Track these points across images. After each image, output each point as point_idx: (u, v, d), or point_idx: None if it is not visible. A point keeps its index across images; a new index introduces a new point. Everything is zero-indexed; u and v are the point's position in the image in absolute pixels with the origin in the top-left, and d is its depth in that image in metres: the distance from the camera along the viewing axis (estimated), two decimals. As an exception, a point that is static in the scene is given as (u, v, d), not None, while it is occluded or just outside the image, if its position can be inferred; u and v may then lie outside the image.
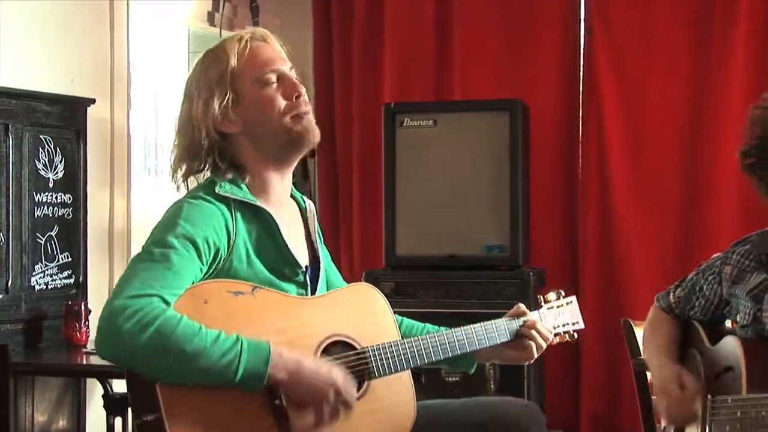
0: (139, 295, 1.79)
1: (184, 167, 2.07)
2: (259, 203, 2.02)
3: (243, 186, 2.03)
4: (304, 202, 2.20)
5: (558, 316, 2.40)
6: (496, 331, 2.24)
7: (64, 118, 3.89)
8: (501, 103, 4.26)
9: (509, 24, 4.73)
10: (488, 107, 4.24)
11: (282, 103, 2.04)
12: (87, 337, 3.75)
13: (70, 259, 3.92)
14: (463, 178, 4.18)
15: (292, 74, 2.09)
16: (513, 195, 4.13)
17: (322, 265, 2.15)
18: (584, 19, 4.63)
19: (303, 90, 2.06)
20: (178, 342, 1.77)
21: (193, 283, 1.88)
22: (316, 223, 2.21)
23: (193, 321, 1.80)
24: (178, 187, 2.11)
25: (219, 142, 2.04)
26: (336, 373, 1.90)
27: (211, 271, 1.94)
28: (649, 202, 4.50)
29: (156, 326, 1.76)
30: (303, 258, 2.10)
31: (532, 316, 2.33)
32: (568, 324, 2.42)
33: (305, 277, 2.07)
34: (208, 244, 1.92)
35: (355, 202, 4.90)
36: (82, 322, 3.75)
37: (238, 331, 1.84)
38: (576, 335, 2.43)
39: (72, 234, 3.93)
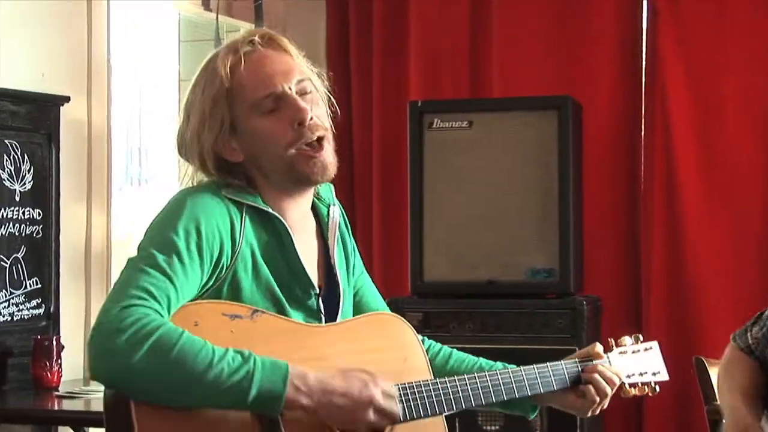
0: (134, 305, 1.80)
1: (195, 177, 2.10)
2: (271, 210, 2.03)
3: (254, 192, 2.05)
4: (327, 211, 2.18)
5: (633, 363, 2.37)
6: (552, 375, 2.22)
7: (32, 119, 3.91)
8: (548, 100, 4.26)
9: (556, 7, 4.73)
10: (533, 105, 4.24)
11: (285, 133, 2.03)
12: (59, 377, 3.76)
13: (39, 286, 3.93)
14: (503, 189, 4.18)
15: (304, 86, 2.06)
16: (562, 209, 4.12)
17: (342, 291, 2.13)
18: (647, 0, 4.63)
19: (307, 114, 2.03)
20: (181, 357, 1.78)
21: (191, 299, 1.90)
22: (344, 234, 2.20)
23: (197, 336, 1.82)
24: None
25: (225, 164, 2.05)
26: (372, 388, 1.90)
27: (213, 281, 1.95)
28: (726, 219, 4.48)
29: (154, 340, 1.77)
30: (315, 281, 2.09)
31: (601, 360, 2.30)
32: (647, 373, 2.39)
33: (318, 302, 2.07)
34: (210, 248, 1.93)
35: (375, 217, 4.91)
36: (54, 360, 3.76)
37: None
38: (658, 388, 2.39)
39: (42, 256, 3.94)
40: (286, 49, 2.09)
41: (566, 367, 2.26)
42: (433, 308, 4.15)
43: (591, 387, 2.24)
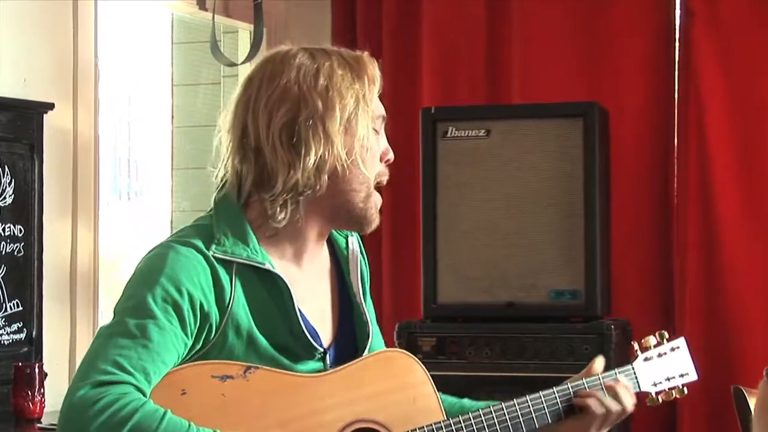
0: (109, 382, 1.78)
1: (228, 177, 2.06)
2: (267, 265, 1.99)
3: (251, 239, 2.00)
4: (347, 244, 2.18)
5: (660, 368, 2.34)
6: (532, 408, 2.16)
7: (14, 128, 3.92)
8: (573, 107, 4.26)
9: (581, 5, 4.75)
10: (556, 113, 4.25)
11: (378, 162, 2.08)
12: (42, 408, 3.76)
13: (20, 309, 3.94)
14: (524, 204, 4.19)
15: None
16: (588, 225, 4.13)
17: (370, 328, 2.13)
18: (681, 0, 4.64)
19: (392, 155, 2.09)
20: None
21: (175, 365, 1.87)
22: (363, 269, 2.19)
23: (180, 417, 1.79)
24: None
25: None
26: None
27: (199, 345, 1.93)
28: None
29: (132, 424, 1.75)
30: (324, 329, 2.09)
31: (624, 371, 2.26)
32: (674, 377, 2.36)
33: (325, 359, 2.05)
34: (193, 309, 1.90)
35: (385, 235, 4.91)
36: (36, 389, 3.76)
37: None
38: (686, 390, 2.37)
39: (23, 276, 3.95)
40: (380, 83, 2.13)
41: (558, 395, 2.20)
42: (447, 333, 4.14)
43: (587, 413, 2.18)
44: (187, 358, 1.91)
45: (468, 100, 4.82)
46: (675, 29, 4.67)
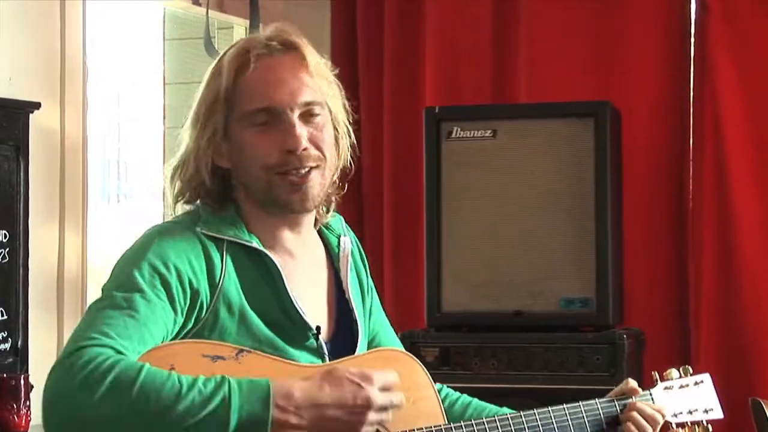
0: (90, 345, 1.81)
1: (176, 187, 2.16)
2: (255, 244, 2.06)
3: (239, 221, 2.08)
4: (338, 244, 2.22)
5: (681, 399, 2.38)
6: (585, 415, 2.24)
7: (-2, 128, 3.93)
8: (583, 106, 4.26)
9: (592, 1, 4.74)
10: (566, 112, 4.24)
11: (270, 154, 2.07)
12: (28, 420, 3.75)
13: (5, 317, 3.93)
14: (532, 207, 4.19)
15: (311, 109, 2.09)
16: (600, 230, 4.12)
17: (359, 326, 2.16)
18: (696, -6, 4.65)
19: (300, 143, 2.06)
20: (144, 393, 1.77)
21: (163, 340, 1.90)
22: (360, 269, 2.24)
23: (157, 368, 1.82)
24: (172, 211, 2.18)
25: (204, 174, 2.10)
26: (367, 389, 1.89)
27: (191, 324, 1.97)
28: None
29: (112, 378, 1.77)
30: (319, 320, 2.11)
31: (641, 398, 2.33)
32: (697, 411, 2.40)
33: (318, 342, 2.08)
34: (182, 285, 1.95)
35: (387, 240, 4.91)
36: (22, 401, 3.75)
37: None
38: (710, 428, 2.41)
39: (8, 283, 3.94)
40: (306, 64, 2.11)
41: (601, 406, 2.28)
42: (451, 343, 4.15)
43: (631, 426, 2.26)
44: (180, 337, 1.95)
45: (473, 99, 4.82)
46: (690, 25, 4.67)
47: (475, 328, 4.18)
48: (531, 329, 4.12)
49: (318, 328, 2.09)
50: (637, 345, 4.16)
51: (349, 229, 2.29)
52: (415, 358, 2.17)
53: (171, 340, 1.93)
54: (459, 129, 4.26)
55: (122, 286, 1.91)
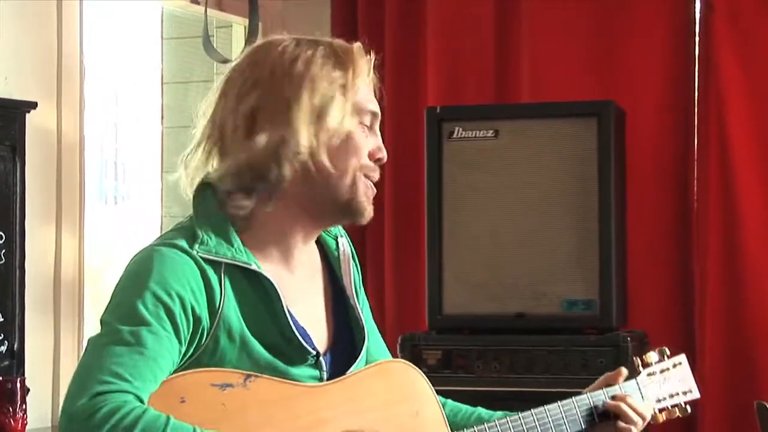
0: (108, 392, 1.79)
1: (196, 173, 2.08)
2: (254, 266, 2.01)
3: (235, 239, 2.02)
4: (337, 246, 2.20)
5: (663, 384, 2.41)
6: (564, 414, 2.26)
7: (-6, 128, 3.93)
8: (586, 106, 4.26)
9: (596, 1, 4.74)
10: (569, 112, 4.24)
11: (364, 155, 2.08)
12: (24, 425, 3.74)
13: (1, 320, 3.93)
14: (535, 208, 4.18)
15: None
16: (603, 231, 4.12)
17: (366, 330, 2.16)
18: (700, -7, 4.65)
19: (386, 156, 2.11)
20: None
21: (170, 372, 1.89)
22: (354, 273, 2.21)
23: (184, 422, 1.81)
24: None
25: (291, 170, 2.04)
26: None
27: (191, 351, 1.94)
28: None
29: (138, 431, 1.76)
30: (319, 336, 2.10)
31: (627, 387, 2.35)
32: (677, 394, 2.43)
33: (319, 362, 2.07)
34: (185, 313, 1.92)
35: (388, 241, 4.91)
36: (18, 405, 3.75)
37: None
38: (689, 408, 2.44)
39: (4, 285, 3.94)
40: (376, 84, 2.16)
41: (589, 400, 2.31)
42: (453, 346, 4.14)
43: (620, 422, 2.29)
44: (180, 365, 1.93)
45: (475, 99, 4.82)
46: (695, 24, 4.67)
47: (477, 330, 4.17)
48: (533, 332, 4.11)
49: (318, 353, 2.07)
50: (641, 347, 4.14)
51: (342, 228, 2.26)
52: (415, 367, 2.16)
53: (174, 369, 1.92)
54: (461, 129, 4.26)
55: (126, 319, 1.87)
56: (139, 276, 1.93)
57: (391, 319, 4.84)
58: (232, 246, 2.01)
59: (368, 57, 2.11)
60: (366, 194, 2.08)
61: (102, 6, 4.42)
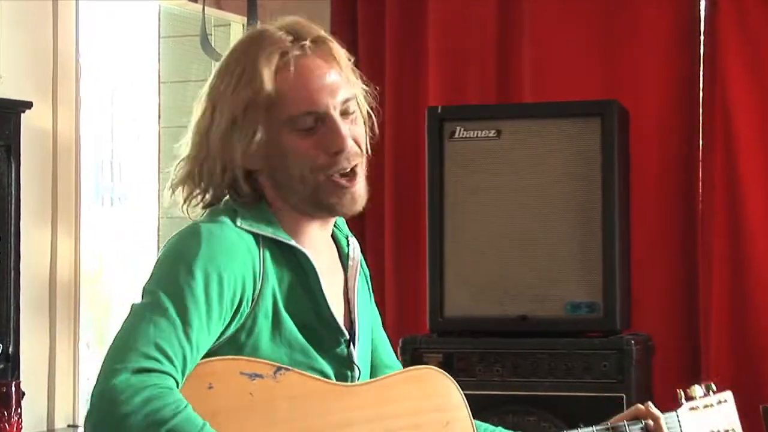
0: (149, 370, 1.79)
1: (185, 190, 2.09)
2: (293, 242, 2.03)
3: (271, 217, 2.04)
4: (348, 245, 2.20)
5: (706, 421, 2.38)
6: None
7: (-11, 128, 3.92)
8: (590, 106, 4.26)
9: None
10: (572, 112, 4.24)
11: (317, 156, 2.05)
12: (19, 429, 3.74)
13: (-5, 322, 3.93)
14: (537, 209, 4.18)
15: (348, 106, 2.08)
16: (607, 233, 4.12)
17: (357, 335, 2.14)
18: (706, -10, 4.65)
19: (346, 142, 2.05)
20: None
21: (207, 352, 1.89)
22: (363, 277, 2.22)
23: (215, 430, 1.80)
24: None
25: (238, 176, 2.06)
26: None
27: (230, 329, 1.94)
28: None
29: (170, 427, 1.76)
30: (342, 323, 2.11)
31: (668, 419, 2.31)
32: (719, 431, 2.41)
33: (348, 350, 2.07)
34: (233, 293, 1.92)
35: (388, 242, 4.91)
36: (12, 409, 3.75)
37: None
38: None
39: (-1, 287, 3.95)
40: (336, 58, 2.12)
41: (629, 428, 2.27)
42: (455, 349, 4.14)
43: None
44: (215, 342, 1.93)
45: (477, 99, 4.82)
46: (700, 22, 4.66)
47: (479, 333, 4.17)
48: (536, 335, 4.11)
49: (351, 334, 2.08)
50: (645, 351, 4.15)
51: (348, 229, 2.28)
52: (450, 377, 2.15)
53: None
54: (462, 129, 4.25)
55: (174, 296, 1.86)
56: (189, 249, 1.93)
57: (392, 321, 4.83)
58: (270, 223, 2.03)
59: (296, 52, 2.08)
60: (335, 193, 2.06)
61: (98, 4, 4.42)
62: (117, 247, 4.70)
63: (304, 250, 2.03)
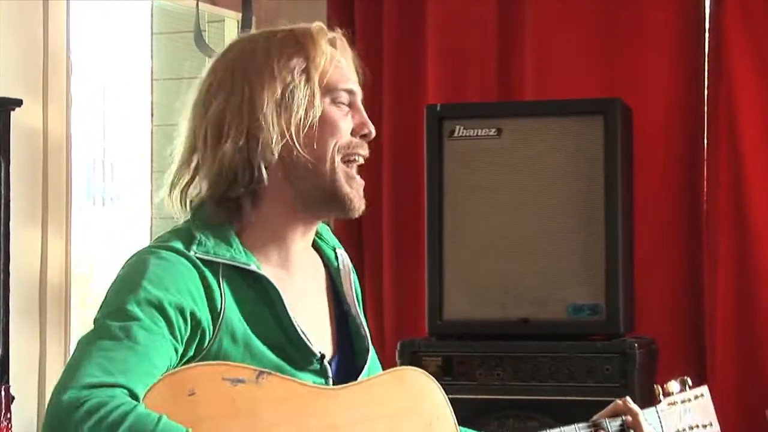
0: (97, 385, 1.78)
1: (183, 181, 2.09)
2: (253, 266, 2.02)
3: (233, 238, 2.04)
4: (336, 257, 2.21)
5: (684, 415, 2.41)
6: None
7: (-23, 126, 3.92)
8: (592, 104, 4.26)
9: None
10: (574, 110, 4.25)
11: (346, 133, 2.09)
12: (8, 434, 3.75)
13: (-16, 325, 3.93)
14: (539, 210, 4.19)
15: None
16: (609, 234, 4.12)
17: (368, 345, 2.16)
18: (711, -16, 4.65)
19: (373, 130, 2.11)
20: None
21: (168, 369, 1.88)
22: (355, 288, 2.22)
23: (176, 422, 1.79)
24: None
25: (256, 164, 2.04)
26: None
27: (192, 353, 1.94)
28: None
29: (124, 428, 1.75)
30: (322, 341, 2.11)
31: (647, 415, 2.33)
32: (697, 426, 2.44)
33: (323, 366, 2.07)
34: (183, 314, 1.92)
35: (387, 244, 4.91)
36: (2, 413, 3.75)
37: None
38: None
39: (-12, 289, 3.94)
40: (354, 60, 2.17)
41: (609, 425, 2.30)
42: (454, 352, 4.13)
43: None
44: (182, 365, 1.92)
45: (477, 97, 4.82)
46: (705, 19, 4.66)
47: (479, 336, 4.17)
48: (537, 338, 4.11)
49: (322, 355, 2.08)
50: (648, 354, 4.15)
51: (339, 243, 2.28)
52: (431, 377, 2.16)
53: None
54: (462, 128, 4.26)
55: (116, 316, 1.87)
56: (133, 277, 1.93)
57: (390, 324, 4.83)
58: (231, 246, 2.02)
59: (332, 35, 2.13)
60: (348, 182, 2.08)
61: (90, 0, 4.42)
62: (109, 248, 4.69)
63: (264, 273, 2.03)
